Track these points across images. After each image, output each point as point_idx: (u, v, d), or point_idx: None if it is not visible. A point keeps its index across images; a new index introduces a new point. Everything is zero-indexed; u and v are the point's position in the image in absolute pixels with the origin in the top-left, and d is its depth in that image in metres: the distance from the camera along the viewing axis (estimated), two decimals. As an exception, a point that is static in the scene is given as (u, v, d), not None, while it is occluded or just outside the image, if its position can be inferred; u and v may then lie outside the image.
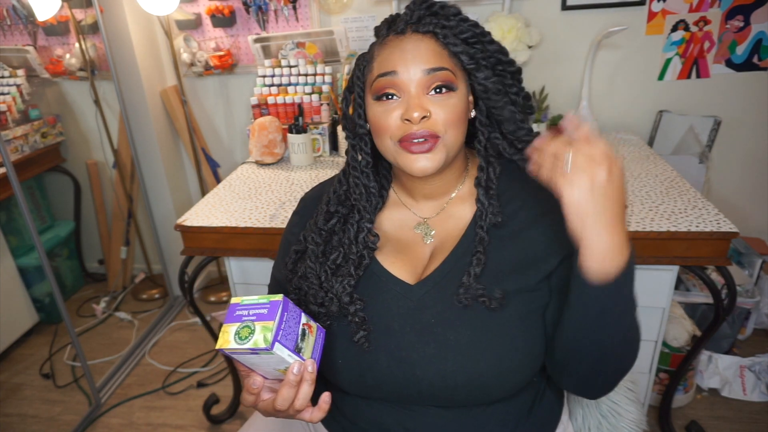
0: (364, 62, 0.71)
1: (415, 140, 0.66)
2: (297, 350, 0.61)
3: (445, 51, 0.67)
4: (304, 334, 0.62)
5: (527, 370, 0.68)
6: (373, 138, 0.72)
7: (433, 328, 0.68)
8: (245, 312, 0.61)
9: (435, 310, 0.69)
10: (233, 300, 0.64)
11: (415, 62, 0.65)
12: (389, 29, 0.70)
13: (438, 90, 0.66)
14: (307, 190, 0.89)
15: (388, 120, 0.67)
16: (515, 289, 0.68)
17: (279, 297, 0.61)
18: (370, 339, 0.70)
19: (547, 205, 0.70)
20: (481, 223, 0.70)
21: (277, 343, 0.58)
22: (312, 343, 0.64)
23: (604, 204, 0.53)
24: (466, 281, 0.68)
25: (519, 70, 0.72)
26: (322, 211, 0.78)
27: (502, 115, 0.68)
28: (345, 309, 0.71)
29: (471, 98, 0.72)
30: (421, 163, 0.67)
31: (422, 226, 0.77)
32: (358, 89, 0.71)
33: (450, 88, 0.66)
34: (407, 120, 0.65)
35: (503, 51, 0.70)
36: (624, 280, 0.57)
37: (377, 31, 0.73)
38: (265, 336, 0.58)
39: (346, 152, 0.77)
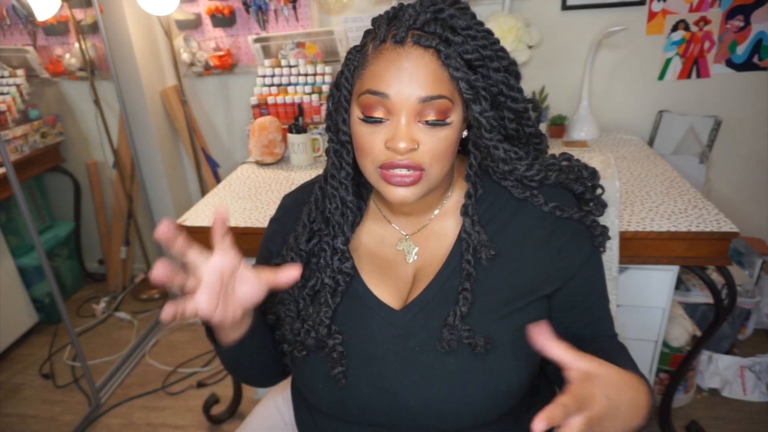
0: (355, 61, 0.63)
1: (398, 170, 0.60)
2: None
3: (446, 73, 0.59)
4: None
5: (518, 392, 0.65)
6: (354, 153, 0.66)
7: (418, 356, 0.65)
8: None
9: (420, 337, 0.65)
10: None
11: (411, 86, 0.58)
12: (388, 28, 0.61)
13: (431, 122, 0.59)
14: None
15: (371, 143, 0.61)
16: (506, 314, 0.65)
17: None
18: (347, 374, 0.66)
19: (542, 222, 0.67)
20: (468, 257, 0.65)
21: None
22: None
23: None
24: (450, 321, 0.63)
25: (524, 109, 0.65)
26: (306, 227, 0.72)
27: (494, 154, 0.64)
28: (322, 342, 0.67)
29: (465, 124, 0.65)
30: (401, 193, 0.62)
31: (404, 243, 0.71)
32: (345, 91, 0.64)
33: (444, 120, 0.60)
34: (391, 147, 0.60)
35: (507, 83, 0.63)
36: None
37: (374, 24, 0.64)
38: None
39: (327, 152, 0.70)
